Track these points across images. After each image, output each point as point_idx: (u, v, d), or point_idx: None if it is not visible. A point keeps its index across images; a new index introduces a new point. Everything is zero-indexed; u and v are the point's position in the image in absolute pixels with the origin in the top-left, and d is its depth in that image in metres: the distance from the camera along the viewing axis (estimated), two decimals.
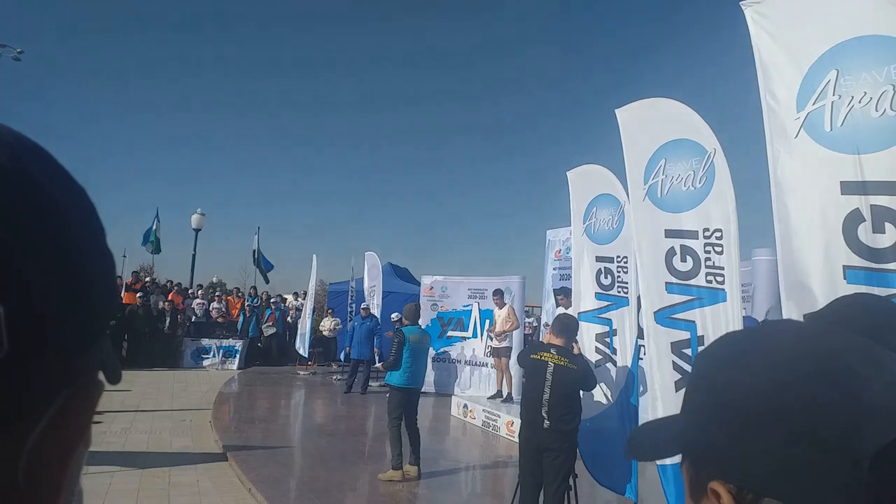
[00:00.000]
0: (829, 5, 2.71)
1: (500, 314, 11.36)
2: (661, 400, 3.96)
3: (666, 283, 3.90)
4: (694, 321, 3.72)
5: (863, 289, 2.43)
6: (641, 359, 4.97)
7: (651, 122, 4.13)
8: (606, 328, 5.26)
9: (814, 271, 2.67)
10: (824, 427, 0.48)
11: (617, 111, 4.40)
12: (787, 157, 2.81)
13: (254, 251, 21.23)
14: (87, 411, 0.38)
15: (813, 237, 2.68)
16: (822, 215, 2.66)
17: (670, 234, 3.90)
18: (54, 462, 0.35)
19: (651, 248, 4.03)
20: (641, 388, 4.95)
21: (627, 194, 4.51)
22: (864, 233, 2.51)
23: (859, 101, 2.57)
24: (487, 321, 12.29)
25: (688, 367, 3.74)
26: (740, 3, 3.03)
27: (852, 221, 2.56)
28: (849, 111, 2.61)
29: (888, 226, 2.45)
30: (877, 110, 2.52)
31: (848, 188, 2.58)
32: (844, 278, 2.55)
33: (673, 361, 3.86)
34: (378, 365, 11.20)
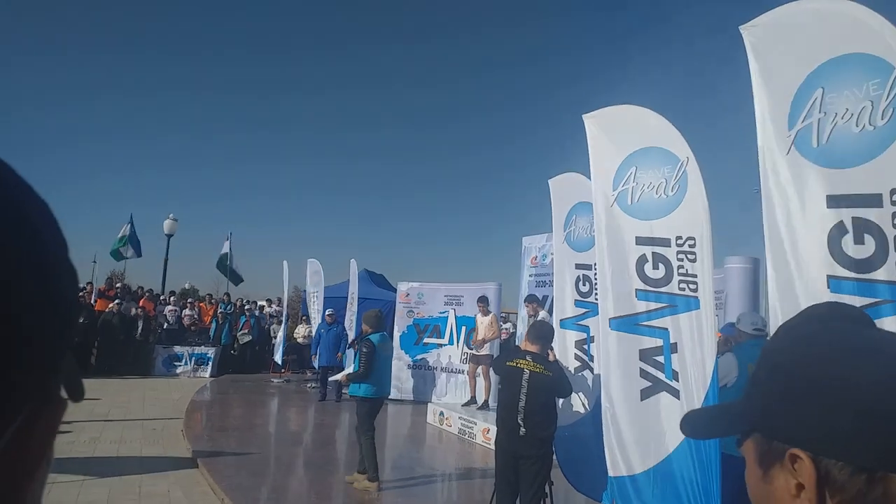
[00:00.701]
0: (816, 26, 2.80)
1: (483, 321, 11.37)
2: (621, 407, 3.93)
3: (636, 289, 3.92)
4: (667, 328, 3.75)
5: (845, 298, 2.50)
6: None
7: (621, 130, 4.16)
8: (584, 335, 5.29)
9: (799, 281, 2.75)
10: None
11: (584, 117, 4.39)
12: (780, 172, 2.90)
13: (225, 255, 20.85)
14: (51, 428, 0.37)
15: (800, 249, 2.77)
16: (809, 228, 2.75)
17: (641, 241, 3.93)
18: (17, 480, 0.34)
19: (619, 255, 4.04)
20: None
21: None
22: (847, 244, 2.61)
23: (842, 118, 2.67)
24: (464, 328, 12.29)
25: (659, 374, 3.76)
26: (739, 27, 3.11)
27: (837, 233, 2.65)
28: (833, 127, 2.71)
29: (867, 237, 2.54)
30: (857, 125, 2.61)
31: (833, 202, 2.68)
32: (828, 287, 2.64)
33: (641, 368, 3.86)
34: (339, 377, 10.96)
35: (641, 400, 3.84)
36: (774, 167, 2.94)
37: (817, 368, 0.63)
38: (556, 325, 5.54)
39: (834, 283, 2.64)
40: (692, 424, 0.81)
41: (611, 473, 4.00)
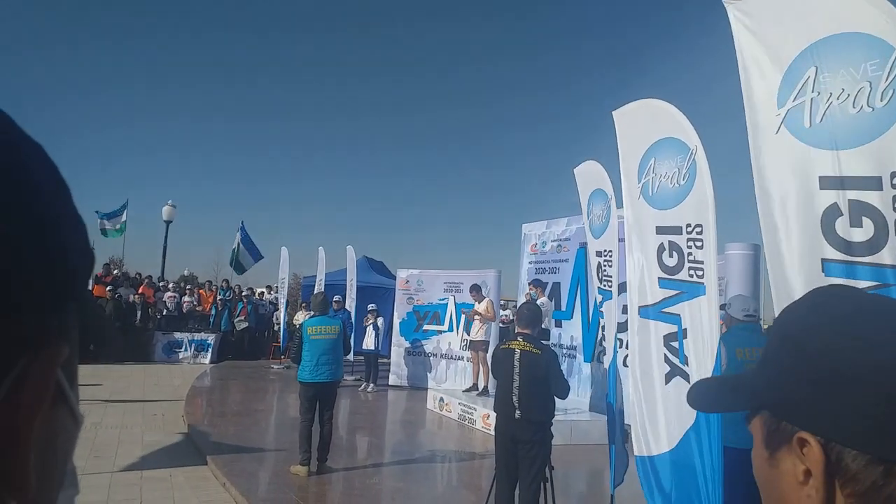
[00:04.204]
0: (809, 2, 2.74)
1: (480, 307, 11.40)
2: (651, 394, 4.00)
3: (658, 278, 3.98)
4: (679, 314, 3.80)
5: (840, 281, 2.48)
6: (617, 352, 5.04)
7: (643, 123, 4.20)
8: (603, 322, 5.34)
9: (794, 264, 2.72)
10: None
11: (614, 113, 4.46)
12: (769, 152, 2.86)
13: (233, 249, 20.69)
14: (51, 373, 0.35)
15: (792, 231, 2.73)
16: (801, 210, 2.71)
17: (660, 230, 3.98)
18: (19, 432, 0.33)
19: (644, 245, 4.11)
20: (623, 384, 4.98)
21: (617, 193, 4.58)
22: (842, 227, 2.57)
23: (837, 98, 2.61)
24: (463, 315, 12.31)
25: (675, 360, 3.82)
26: (724, 2, 3.05)
27: (830, 216, 2.61)
28: (827, 108, 2.65)
29: (865, 220, 2.50)
30: (854, 107, 2.56)
31: (826, 183, 2.63)
32: (823, 271, 2.61)
33: (665, 354, 3.92)
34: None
35: (665, 384, 3.91)
36: (764, 147, 2.89)
37: (833, 341, 0.57)
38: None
39: (828, 266, 2.61)
40: (699, 396, 0.76)
41: (636, 453, 4.09)
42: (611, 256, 5.15)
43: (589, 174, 5.72)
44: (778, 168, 2.82)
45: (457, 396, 10.63)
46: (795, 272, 2.71)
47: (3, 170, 0.32)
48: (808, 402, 0.57)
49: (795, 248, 2.72)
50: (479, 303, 11.43)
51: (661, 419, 3.95)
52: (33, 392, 0.33)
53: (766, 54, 2.91)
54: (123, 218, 20.50)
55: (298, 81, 68.60)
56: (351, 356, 14.46)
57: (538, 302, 9.87)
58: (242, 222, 20.61)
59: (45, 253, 0.34)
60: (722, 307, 5.25)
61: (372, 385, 12.78)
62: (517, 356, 4.61)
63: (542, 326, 7.63)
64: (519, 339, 4.71)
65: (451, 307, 12.97)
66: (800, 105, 2.75)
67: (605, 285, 5.22)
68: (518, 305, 11.82)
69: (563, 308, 11.17)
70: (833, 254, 2.59)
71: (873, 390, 0.53)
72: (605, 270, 5.22)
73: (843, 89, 2.60)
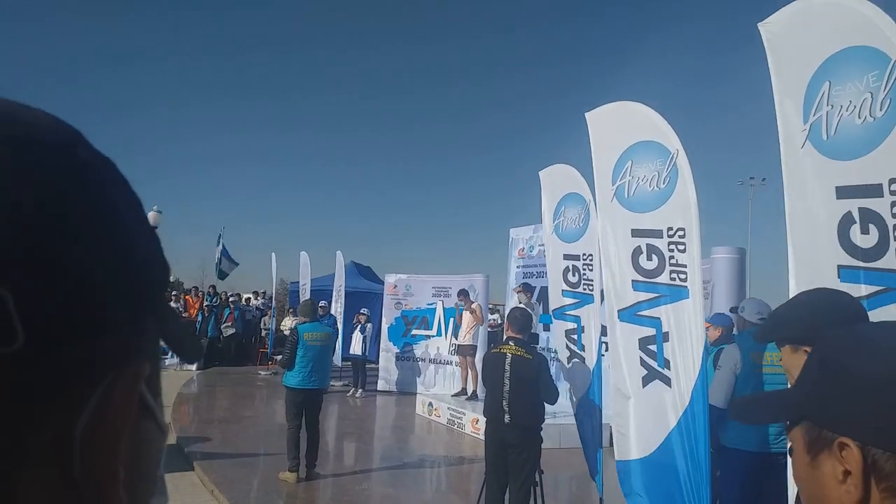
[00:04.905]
0: (824, 21, 2.86)
1: (466, 315, 11.39)
2: (628, 394, 4.03)
3: (632, 280, 4.02)
4: (659, 318, 3.83)
5: (853, 287, 2.57)
6: (603, 356, 5.07)
7: (619, 125, 4.23)
8: (574, 325, 5.34)
9: (814, 270, 2.84)
10: None
11: (587, 115, 4.47)
12: (796, 165, 2.98)
13: (218, 258, 20.49)
14: (138, 388, 0.36)
15: (814, 239, 2.86)
16: (821, 219, 2.83)
17: (636, 233, 4.02)
18: (110, 446, 0.33)
19: (618, 248, 4.14)
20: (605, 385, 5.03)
21: (594, 195, 4.61)
22: (854, 234, 2.68)
23: (846, 110, 2.73)
24: (452, 319, 12.31)
25: (653, 363, 3.85)
26: (757, 24, 3.18)
27: (845, 223, 2.72)
28: (839, 120, 2.77)
29: (871, 226, 2.61)
30: (859, 117, 2.67)
31: (841, 193, 2.75)
32: (839, 277, 2.72)
33: (640, 357, 3.95)
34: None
35: (643, 387, 3.94)
36: (792, 160, 3.01)
37: (872, 367, 0.68)
38: (551, 315, 5.62)
39: (844, 272, 2.72)
40: (743, 410, 0.89)
41: (617, 457, 4.11)
42: (591, 260, 5.18)
43: (559, 177, 5.74)
44: (803, 180, 2.94)
45: (446, 401, 10.62)
46: (815, 278, 2.80)
47: (83, 188, 0.32)
48: (848, 413, 0.68)
49: (816, 255, 2.85)
50: (467, 308, 11.43)
51: (639, 423, 3.97)
52: (120, 409, 0.34)
53: (792, 72, 3.03)
54: None
55: (289, 91, 68.42)
56: (339, 361, 14.44)
57: (524, 305, 9.90)
58: (221, 231, 20.52)
59: (128, 270, 0.34)
60: (733, 310, 5.32)
61: (360, 390, 12.74)
62: (508, 360, 4.61)
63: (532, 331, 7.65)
64: (510, 343, 4.71)
65: (439, 312, 12.97)
66: (819, 119, 2.88)
67: (585, 289, 5.24)
68: (508, 310, 11.90)
69: (555, 307, 11.21)
70: (848, 260, 2.70)
71: None
72: (584, 274, 5.25)
73: (851, 101, 2.71)
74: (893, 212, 2.51)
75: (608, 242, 4.23)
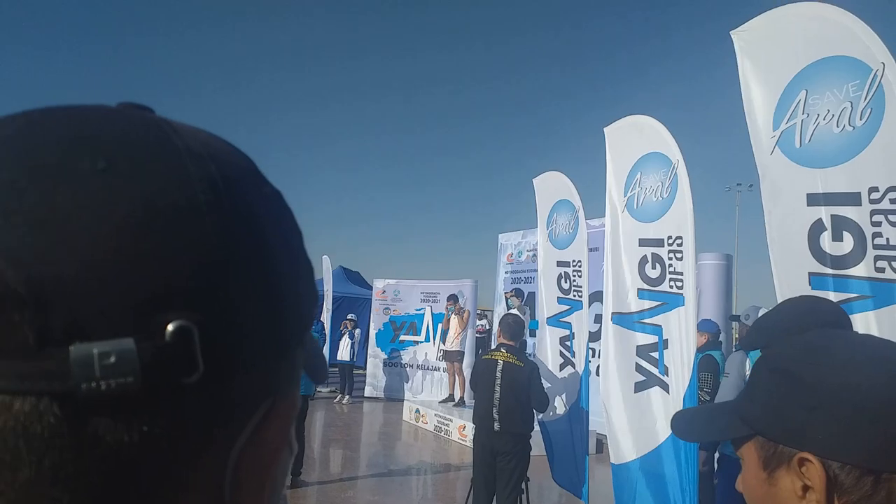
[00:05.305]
0: (801, 30, 2.90)
1: (454, 321, 11.34)
2: (617, 398, 4.10)
3: (639, 289, 4.09)
4: (660, 325, 3.89)
5: (824, 294, 2.59)
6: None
7: (632, 138, 4.34)
8: (567, 332, 5.33)
9: (787, 277, 2.87)
10: None
11: (606, 130, 4.57)
12: (767, 172, 3.02)
13: None
14: (288, 417, 0.37)
15: (786, 246, 2.89)
16: (792, 226, 2.86)
17: (643, 242, 4.11)
18: (258, 473, 0.35)
19: (627, 257, 4.23)
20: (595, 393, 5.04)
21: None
22: (826, 241, 2.71)
23: (824, 119, 2.77)
24: (440, 325, 12.24)
25: (653, 370, 3.89)
26: (730, 31, 3.22)
27: (815, 231, 2.75)
28: (815, 128, 2.80)
29: (845, 234, 2.64)
30: (837, 126, 2.71)
31: (812, 200, 2.79)
32: (809, 284, 2.75)
33: (637, 363, 4.01)
34: None
35: (634, 392, 4.01)
36: (762, 168, 3.06)
37: (829, 378, 0.66)
38: (542, 322, 5.61)
39: (815, 279, 2.75)
40: (686, 425, 0.83)
41: (612, 461, 4.18)
42: (580, 267, 5.18)
43: (551, 184, 5.76)
44: (775, 187, 2.98)
45: (433, 408, 10.55)
46: (787, 285, 2.84)
47: (266, 223, 0.34)
48: (806, 427, 0.66)
49: (789, 262, 2.87)
50: (457, 314, 11.37)
51: (633, 427, 4.02)
52: (274, 440, 0.35)
53: (765, 79, 3.07)
54: None
55: (278, 97, 68.32)
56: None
57: (514, 310, 9.86)
58: None
59: (294, 302, 0.35)
60: (735, 318, 5.33)
61: (347, 396, 12.64)
62: (499, 367, 4.56)
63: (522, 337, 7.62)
64: (502, 349, 4.67)
65: (427, 317, 12.91)
66: (792, 126, 2.91)
67: (574, 295, 5.24)
68: (498, 315, 11.86)
69: (548, 315, 11.20)
70: (818, 267, 2.73)
71: (861, 414, 0.63)
72: (574, 281, 5.24)
73: (829, 110, 2.74)
74: (873, 220, 2.55)
75: (619, 252, 4.31)
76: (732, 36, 3.21)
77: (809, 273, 2.75)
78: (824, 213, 2.72)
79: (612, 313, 4.19)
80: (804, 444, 0.65)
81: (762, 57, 3.08)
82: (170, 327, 0.27)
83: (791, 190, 2.88)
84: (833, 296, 2.58)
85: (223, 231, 0.31)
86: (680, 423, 0.84)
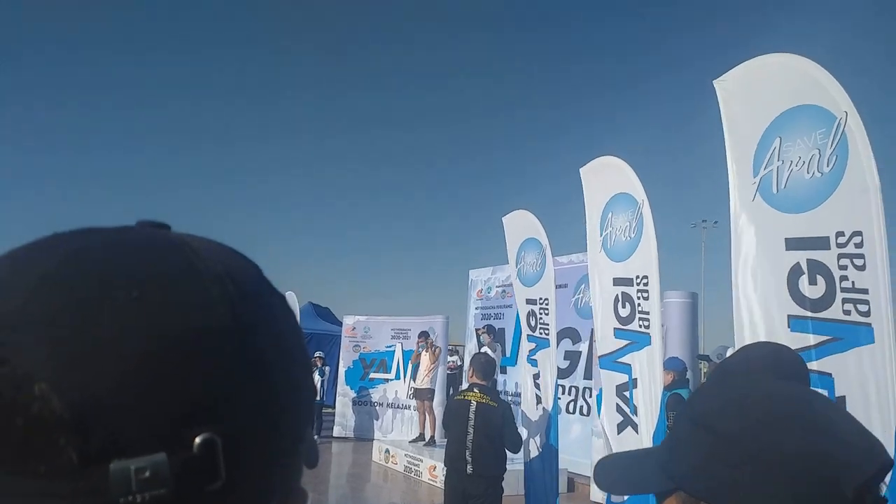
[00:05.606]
0: (775, 79, 3.02)
1: (425, 357, 11.27)
2: (611, 441, 4.13)
3: (614, 328, 4.15)
4: (630, 364, 3.94)
5: (802, 336, 2.67)
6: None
7: (603, 179, 4.46)
8: (536, 370, 5.34)
9: (762, 320, 2.92)
10: (819, 468, 0.62)
11: (581, 170, 4.69)
12: (746, 217, 3.09)
13: None
14: None
15: (763, 290, 2.94)
16: (772, 270, 2.92)
17: (616, 282, 4.18)
18: None
19: (602, 296, 4.31)
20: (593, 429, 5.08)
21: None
22: (803, 285, 2.77)
23: (796, 165, 2.87)
24: (410, 363, 12.14)
25: (627, 409, 3.91)
26: (713, 81, 3.33)
27: (794, 274, 2.82)
28: (789, 174, 2.91)
29: (819, 277, 2.71)
30: (808, 172, 2.81)
31: (790, 244, 2.86)
32: (788, 327, 2.80)
33: (617, 403, 4.05)
34: None
35: (618, 434, 4.05)
36: (742, 212, 3.13)
37: (750, 434, 0.65)
38: (522, 360, 5.64)
39: (794, 322, 2.81)
40: (609, 477, 0.80)
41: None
42: (547, 304, 5.22)
43: (520, 223, 5.84)
44: (754, 232, 3.04)
45: (403, 448, 10.38)
46: (762, 327, 2.89)
47: (280, 335, 0.37)
48: (729, 484, 0.65)
49: (766, 305, 2.91)
50: (426, 351, 11.30)
51: None
52: None
53: (744, 127, 3.17)
54: None
55: (246, 130, 68.19)
56: None
57: (485, 347, 9.84)
58: None
59: (301, 403, 0.38)
60: (703, 358, 5.40)
61: (316, 437, 12.33)
62: (473, 408, 4.50)
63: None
64: (475, 390, 4.60)
65: (398, 354, 12.78)
66: (770, 172, 3.01)
67: (541, 333, 5.26)
68: (468, 351, 11.81)
69: (508, 354, 11.19)
70: (797, 310, 2.78)
71: (782, 471, 0.62)
72: (541, 318, 5.28)
73: (800, 157, 2.85)
74: (840, 263, 2.62)
75: (595, 291, 4.40)
76: (715, 85, 3.32)
77: (788, 316, 2.81)
78: (801, 257, 2.80)
79: (600, 356, 4.27)
80: (727, 501, 0.65)
81: (742, 105, 3.19)
82: (197, 440, 0.30)
83: (770, 235, 2.96)
84: (812, 338, 2.66)
85: (241, 348, 0.34)
86: (602, 474, 0.80)
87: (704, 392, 0.74)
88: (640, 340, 3.87)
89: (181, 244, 0.36)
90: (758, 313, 2.94)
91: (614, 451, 4.09)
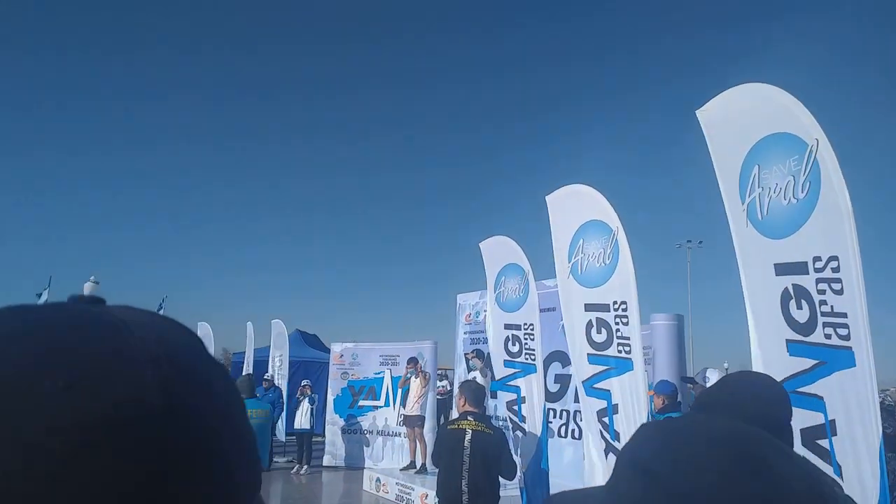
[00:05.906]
0: (752, 108, 3.07)
1: (415, 383, 11.19)
2: (599, 466, 4.11)
3: (587, 354, 4.14)
4: (609, 390, 3.91)
5: (799, 360, 2.68)
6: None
7: (571, 206, 4.48)
8: (515, 395, 5.30)
9: (765, 344, 2.94)
10: None
11: (547, 198, 4.73)
12: (742, 243, 3.13)
13: None
14: None
15: (763, 314, 2.97)
16: (767, 295, 2.94)
17: (589, 307, 4.18)
18: None
19: (573, 322, 4.31)
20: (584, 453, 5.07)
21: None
22: (793, 309, 2.80)
23: (774, 192, 2.92)
24: (400, 390, 12.04)
25: (608, 435, 3.88)
26: (696, 111, 3.37)
27: (785, 299, 2.85)
28: (769, 201, 2.95)
29: (803, 302, 2.74)
30: (785, 199, 2.85)
31: (779, 269, 2.90)
32: (787, 351, 2.81)
33: (599, 429, 4.03)
34: None
35: (606, 458, 4.02)
36: (739, 239, 3.16)
37: (683, 478, 0.62)
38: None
39: (791, 346, 2.82)
40: None
41: None
42: (532, 329, 5.20)
43: (498, 249, 5.84)
44: (749, 257, 3.08)
45: (394, 476, 10.26)
46: (767, 351, 2.90)
47: (229, 420, 0.39)
48: None
49: (766, 329, 2.93)
50: (416, 377, 11.23)
51: None
52: None
53: (728, 154, 3.21)
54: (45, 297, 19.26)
55: (225, 152, 68.26)
56: (283, 436, 13.81)
57: (476, 372, 9.76)
58: (163, 301, 19.74)
59: (240, 479, 0.39)
60: (690, 381, 5.36)
61: (306, 466, 12.17)
62: (468, 437, 4.33)
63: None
64: (469, 418, 4.43)
65: (387, 381, 12.66)
66: (753, 199, 3.05)
67: (527, 358, 5.24)
68: (458, 377, 11.72)
69: (496, 378, 11.12)
70: (791, 335, 2.79)
71: None
72: (525, 343, 5.26)
73: (777, 184, 2.90)
74: (818, 288, 2.63)
75: (567, 316, 4.40)
76: (698, 115, 3.36)
77: (786, 340, 2.81)
78: (787, 282, 2.82)
79: (581, 382, 4.25)
80: None
81: (723, 134, 3.23)
82: None
83: (762, 260, 2.97)
84: (808, 362, 2.66)
85: (175, 430, 0.33)
86: None
87: (644, 431, 0.71)
88: (619, 366, 3.85)
89: (115, 324, 0.36)
90: (761, 339, 2.96)
91: (602, 479, 4.06)
